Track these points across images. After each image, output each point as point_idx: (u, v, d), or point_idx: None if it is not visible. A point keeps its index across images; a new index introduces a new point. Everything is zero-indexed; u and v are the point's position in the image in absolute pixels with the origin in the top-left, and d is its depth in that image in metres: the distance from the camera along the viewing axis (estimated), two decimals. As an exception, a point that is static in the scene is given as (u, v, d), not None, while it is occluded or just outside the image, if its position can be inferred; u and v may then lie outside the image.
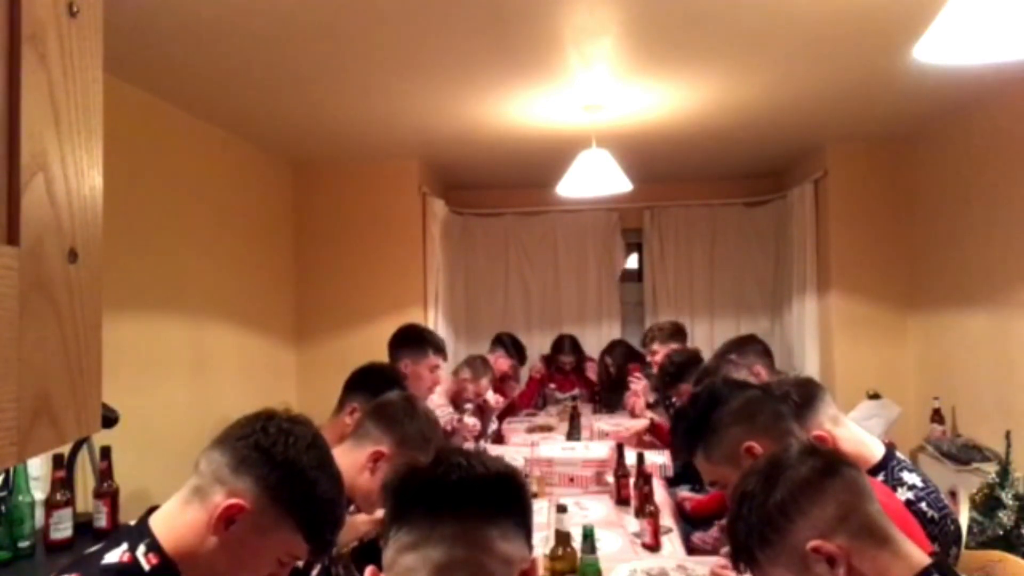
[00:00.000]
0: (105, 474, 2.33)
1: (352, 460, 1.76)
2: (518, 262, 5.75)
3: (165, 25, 2.44)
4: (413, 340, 3.22)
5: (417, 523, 0.99)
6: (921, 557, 1.16)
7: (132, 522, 1.24)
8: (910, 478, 1.84)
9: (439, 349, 3.25)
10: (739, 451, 1.68)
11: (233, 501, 1.16)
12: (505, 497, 1.04)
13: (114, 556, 1.14)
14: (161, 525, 1.19)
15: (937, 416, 3.94)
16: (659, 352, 4.04)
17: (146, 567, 1.13)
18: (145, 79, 2.97)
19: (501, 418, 4.38)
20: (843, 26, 2.58)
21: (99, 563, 1.14)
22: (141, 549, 1.15)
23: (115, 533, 1.25)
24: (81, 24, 0.52)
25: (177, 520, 1.19)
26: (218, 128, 3.73)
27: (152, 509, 1.24)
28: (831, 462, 1.23)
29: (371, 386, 2.38)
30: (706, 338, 5.22)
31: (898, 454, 1.95)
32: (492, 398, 3.91)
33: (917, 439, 4.08)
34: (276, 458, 1.20)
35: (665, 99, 3.45)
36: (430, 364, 3.18)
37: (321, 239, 4.69)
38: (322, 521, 1.24)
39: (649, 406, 4.21)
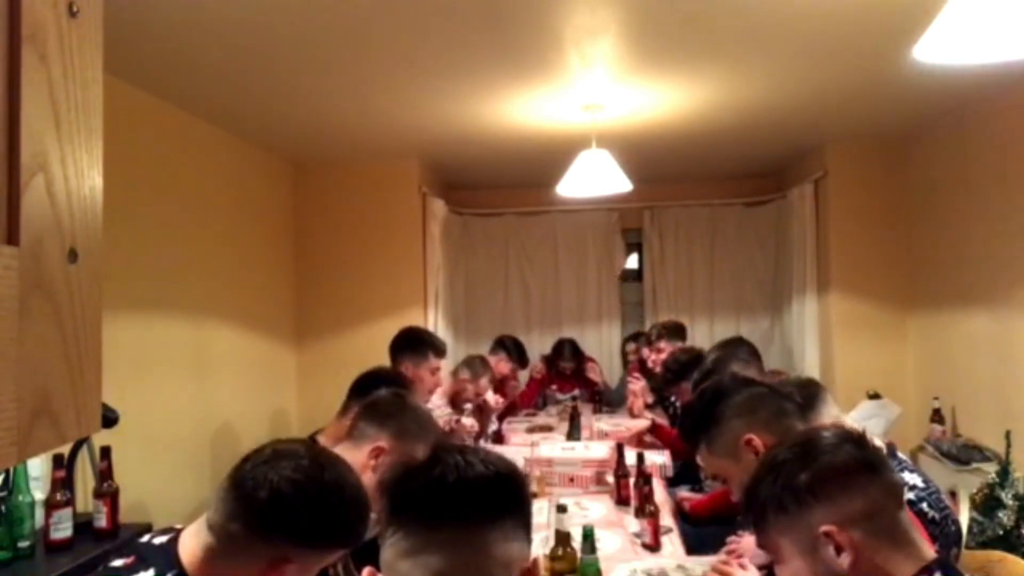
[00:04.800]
0: (105, 474, 2.33)
1: (352, 461, 1.76)
2: (518, 262, 5.75)
3: (165, 25, 2.44)
4: (413, 343, 3.22)
5: (414, 528, 0.96)
6: (927, 553, 1.16)
7: (158, 540, 1.23)
8: (911, 478, 1.84)
9: (440, 351, 3.25)
10: (739, 444, 1.71)
11: (277, 563, 1.16)
12: (505, 497, 1.00)
13: None
14: (190, 561, 1.17)
15: (937, 416, 3.94)
16: (665, 350, 4.05)
17: None
18: (145, 79, 2.97)
19: (501, 418, 4.38)
20: (843, 26, 2.59)
21: None
22: None
23: (142, 550, 1.22)
24: (81, 24, 0.52)
25: (207, 565, 1.17)
26: (218, 128, 3.73)
27: (179, 532, 1.23)
28: (874, 461, 1.21)
29: (375, 391, 2.38)
30: (706, 338, 5.21)
31: (899, 454, 1.96)
32: (492, 398, 3.90)
33: (917, 439, 4.08)
34: (303, 511, 1.19)
35: (665, 99, 3.45)
36: (431, 367, 3.18)
37: (321, 239, 4.69)
38: (355, 531, 1.26)
39: (648, 407, 4.22)
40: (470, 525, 0.96)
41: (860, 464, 1.19)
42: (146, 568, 1.15)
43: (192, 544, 1.20)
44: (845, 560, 1.13)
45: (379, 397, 2.02)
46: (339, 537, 1.23)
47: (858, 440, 1.24)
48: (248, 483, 1.19)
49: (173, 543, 1.20)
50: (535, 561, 1.01)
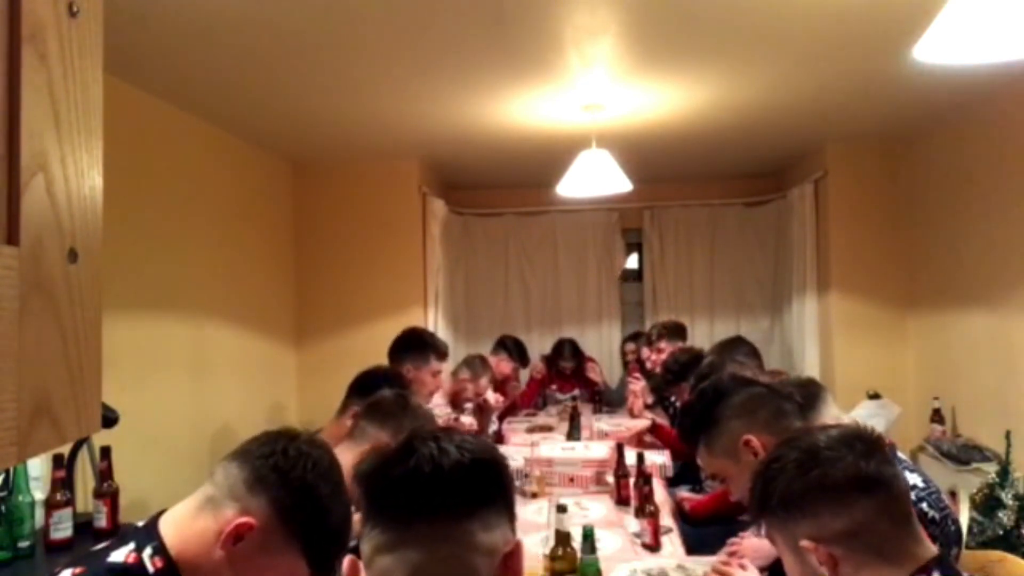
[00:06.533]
0: (105, 474, 2.33)
1: (351, 459, 1.76)
2: (518, 262, 5.75)
3: (164, 25, 2.44)
4: (416, 345, 3.20)
5: (391, 522, 0.93)
6: (925, 553, 1.15)
7: (141, 523, 1.24)
8: (911, 478, 1.84)
9: (442, 354, 3.24)
10: (738, 444, 1.71)
11: (244, 519, 1.16)
12: (484, 485, 0.95)
13: (120, 555, 1.14)
14: (170, 530, 1.18)
15: (937, 416, 3.94)
16: (665, 350, 4.05)
17: (151, 570, 1.13)
18: (145, 79, 2.97)
19: (501, 418, 4.38)
20: (843, 26, 2.59)
21: (105, 560, 1.14)
22: (148, 551, 1.14)
23: (122, 532, 1.25)
24: (81, 24, 0.52)
25: (187, 527, 1.19)
26: (218, 128, 3.73)
27: (162, 512, 1.24)
28: (871, 476, 1.16)
29: (373, 390, 2.38)
30: (706, 338, 5.21)
31: (899, 454, 1.95)
32: (492, 398, 3.90)
33: (917, 439, 4.09)
34: (293, 482, 1.19)
35: (665, 99, 3.45)
36: (432, 369, 3.17)
37: (321, 239, 4.69)
38: (328, 549, 1.23)
39: (648, 407, 4.22)
40: (448, 517, 0.92)
41: (854, 482, 1.15)
42: (125, 544, 1.16)
43: (179, 511, 1.21)
44: (825, 571, 1.14)
45: (382, 397, 2.02)
46: (313, 527, 1.20)
47: (867, 446, 1.19)
48: (263, 443, 1.24)
49: (153, 520, 1.21)
50: (518, 544, 0.97)
